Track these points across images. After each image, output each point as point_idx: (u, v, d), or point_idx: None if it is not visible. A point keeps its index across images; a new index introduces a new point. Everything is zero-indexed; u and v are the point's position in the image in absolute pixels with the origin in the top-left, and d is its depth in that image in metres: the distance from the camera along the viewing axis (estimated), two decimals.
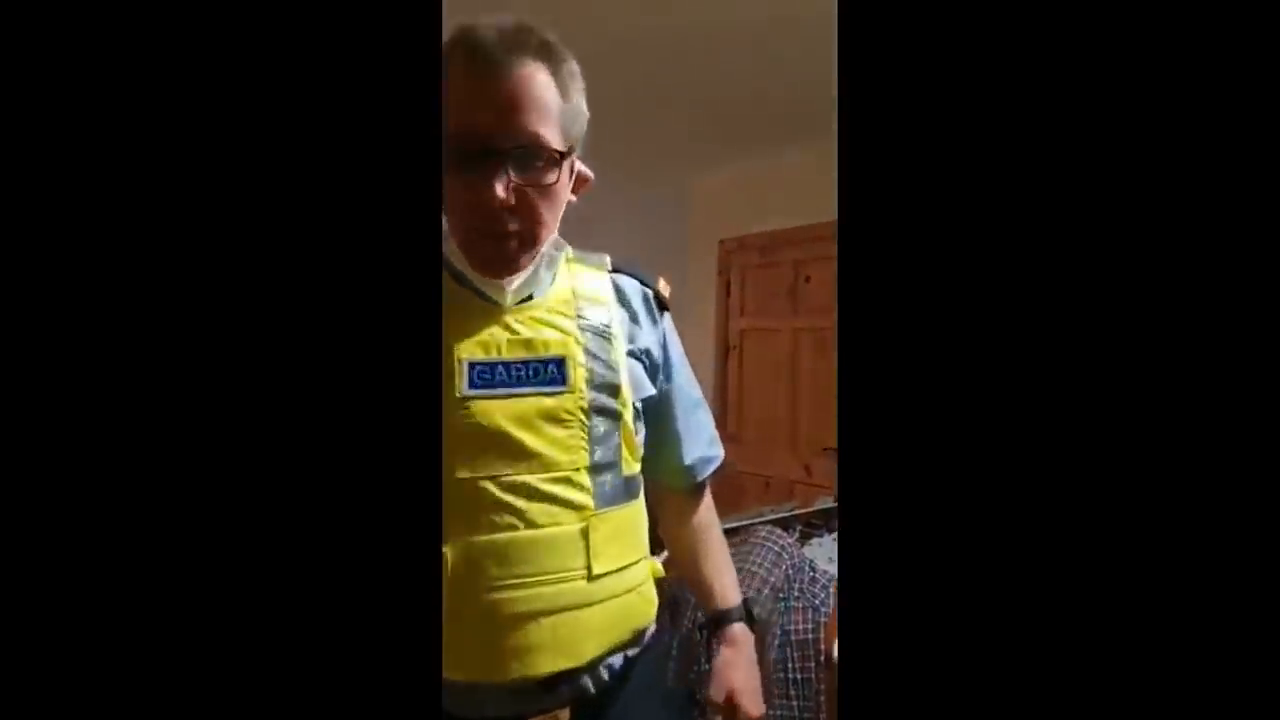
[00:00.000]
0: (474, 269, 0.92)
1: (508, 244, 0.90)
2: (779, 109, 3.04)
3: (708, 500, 1.18)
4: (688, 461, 1.12)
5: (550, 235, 0.95)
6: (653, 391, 1.03)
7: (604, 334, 0.97)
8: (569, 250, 1.04)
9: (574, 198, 0.99)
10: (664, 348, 1.07)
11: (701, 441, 1.13)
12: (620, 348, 0.98)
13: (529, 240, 0.91)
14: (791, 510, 2.81)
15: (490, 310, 0.94)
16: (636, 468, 1.00)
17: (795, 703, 2.06)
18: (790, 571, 2.22)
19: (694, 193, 4.37)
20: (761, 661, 2.03)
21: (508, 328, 0.92)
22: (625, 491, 0.96)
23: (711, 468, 1.15)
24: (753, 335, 4.03)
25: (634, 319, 1.03)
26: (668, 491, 1.16)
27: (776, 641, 2.11)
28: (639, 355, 1.02)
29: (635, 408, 0.99)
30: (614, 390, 0.95)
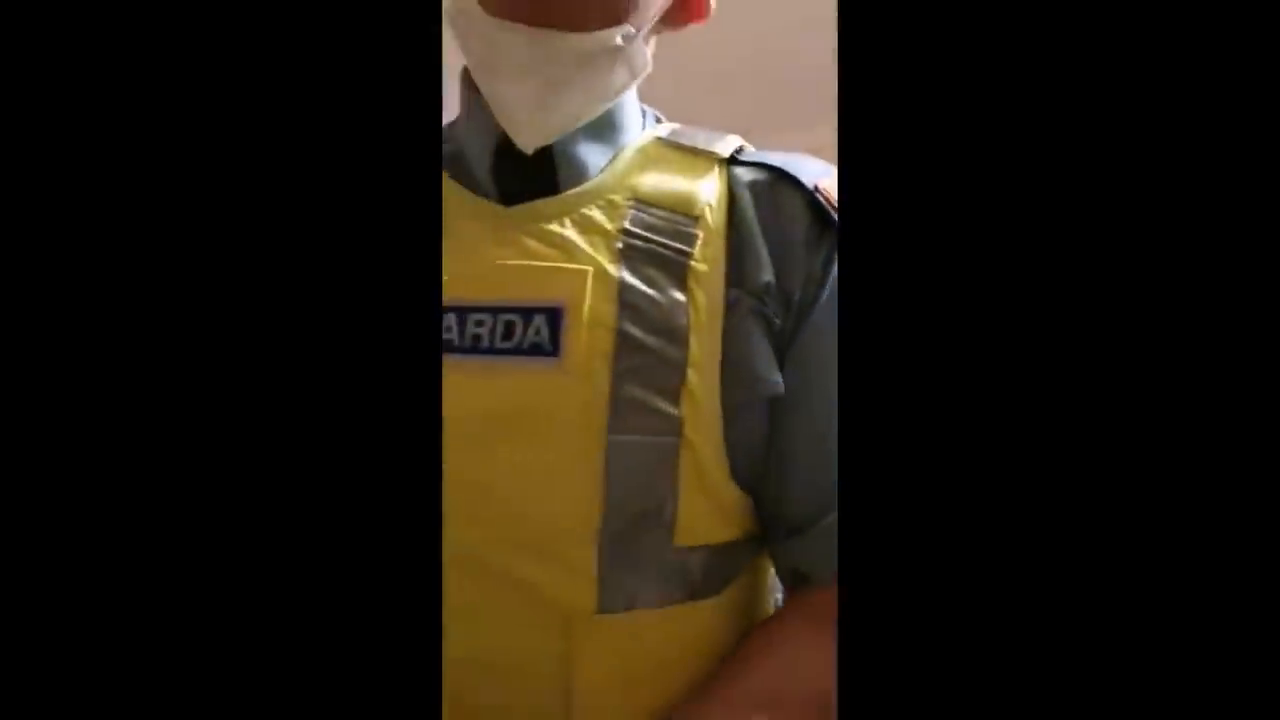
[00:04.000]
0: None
1: None
2: (820, 86, 3.01)
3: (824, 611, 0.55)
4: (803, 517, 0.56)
5: (635, 18, 0.55)
6: (778, 381, 0.54)
7: (669, 259, 0.53)
8: (659, 124, 0.64)
9: (675, 24, 0.62)
10: (816, 290, 0.56)
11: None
12: (707, 295, 0.53)
13: None
14: None
15: (486, 210, 0.56)
16: (728, 531, 0.55)
17: None
18: None
19: None
20: None
21: (504, 239, 0.54)
22: (683, 578, 0.53)
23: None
24: None
25: (770, 245, 0.56)
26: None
27: None
28: (764, 306, 0.54)
29: (736, 408, 0.53)
30: (672, 370, 0.51)
